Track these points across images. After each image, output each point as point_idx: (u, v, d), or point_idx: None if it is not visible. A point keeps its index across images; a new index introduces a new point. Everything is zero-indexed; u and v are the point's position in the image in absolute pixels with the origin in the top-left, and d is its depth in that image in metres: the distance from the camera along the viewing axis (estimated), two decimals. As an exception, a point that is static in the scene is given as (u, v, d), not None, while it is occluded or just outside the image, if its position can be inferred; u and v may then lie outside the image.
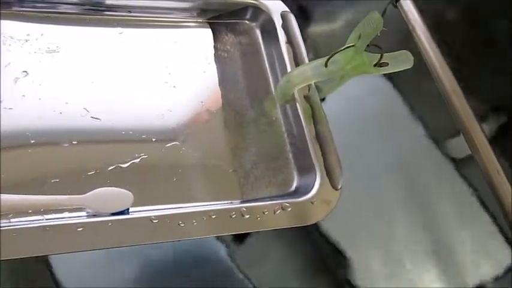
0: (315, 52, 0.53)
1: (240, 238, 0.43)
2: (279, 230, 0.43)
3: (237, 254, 0.43)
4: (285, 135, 0.47)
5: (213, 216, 0.38)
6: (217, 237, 0.43)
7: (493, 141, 0.53)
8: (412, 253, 0.49)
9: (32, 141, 0.39)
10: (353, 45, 0.40)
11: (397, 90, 0.56)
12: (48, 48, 0.44)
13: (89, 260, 0.40)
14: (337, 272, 0.46)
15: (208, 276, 0.42)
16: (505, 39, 0.63)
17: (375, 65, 0.41)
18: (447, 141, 0.55)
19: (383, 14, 0.37)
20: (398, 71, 0.41)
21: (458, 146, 0.54)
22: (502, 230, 0.52)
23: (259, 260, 0.44)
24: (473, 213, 0.53)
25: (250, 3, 0.50)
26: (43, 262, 0.38)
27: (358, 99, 0.54)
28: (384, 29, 0.37)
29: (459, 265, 0.50)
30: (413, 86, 0.56)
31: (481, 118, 0.39)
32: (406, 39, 0.39)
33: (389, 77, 0.56)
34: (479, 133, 0.33)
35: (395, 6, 0.39)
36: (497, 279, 0.50)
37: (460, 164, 0.54)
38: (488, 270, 0.50)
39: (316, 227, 0.46)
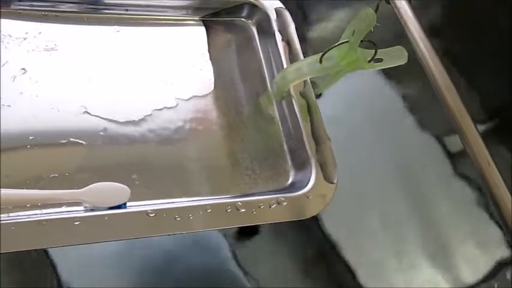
0: (311, 48, 0.53)
1: (241, 234, 0.44)
2: (279, 226, 0.44)
3: (237, 251, 0.43)
4: (281, 130, 0.47)
5: (209, 211, 0.38)
6: (218, 233, 0.43)
7: (488, 137, 0.53)
8: (408, 249, 0.49)
9: (30, 138, 0.40)
10: (347, 41, 0.40)
11: (393, 86, 0.56)
12: (46, 46, 0.45)
13: (88, 257, 0.40)
14: (336, 268, 0.46)
15: (207, 274, 0.42)
16: (499, 36, 0.63)
17: (369, 61, 0.41)
18: (443, 137, 0.55)
19: (376, 10, 0.37)
20: (393, 67, 0.42)
21: (454, 142, 0.54)
22: (499, 226, 0.52)
23: (258, 256, 0.44)
24: (469, 209, 0.53)
25: (246, 0, 0.51)
26: (44, 261, 0.39)
27: (354, 96, 0.55)
28: (377, 24, 0.37)
29: (456, 261, 0.50)
30: (408, 81, 0.56)
31: (474, 113, 0.39)
32: (399, 35, 0.40)
33: (385, 73, 0.56)
34: (471, 126, 0.33)
35: (388, 2, 0.40)
36: (493, 276, 0.50)
37: (457, 160, 0.54)
38: (484, 267, 0.50)
39: (315, 222, 0.46)
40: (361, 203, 0.50)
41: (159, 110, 0.45)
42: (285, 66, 0.48)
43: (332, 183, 0.42)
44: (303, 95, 0.47)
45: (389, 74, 0.56)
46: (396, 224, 0.50)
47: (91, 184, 0.38)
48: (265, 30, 0.51)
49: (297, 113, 0.46)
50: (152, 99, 0.45)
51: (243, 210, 0.39)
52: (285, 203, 0.40)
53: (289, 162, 0.45)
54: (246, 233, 0.44)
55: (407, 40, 0.42)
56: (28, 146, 0.40)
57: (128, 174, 0.40)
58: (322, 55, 0.41)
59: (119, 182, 0.39)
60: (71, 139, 0.41)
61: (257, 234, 0.44)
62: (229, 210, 0.39)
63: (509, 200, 0.32)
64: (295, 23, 0.50)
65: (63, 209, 0.37)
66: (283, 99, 0.47)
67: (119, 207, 0.37)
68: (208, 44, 0.50)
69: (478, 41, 0.62)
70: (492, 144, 0.41)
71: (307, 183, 0.42)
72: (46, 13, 0.46)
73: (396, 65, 0.42)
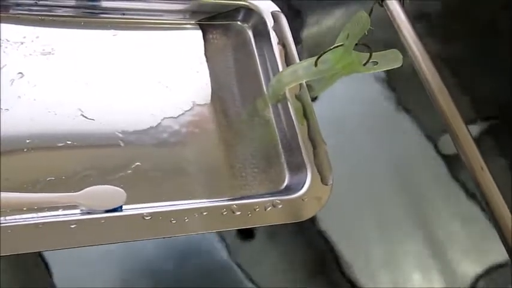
0: (306, 52, 0.54)
1: (240, 237, 0.44)
2: (277, 228, 0.44)
3: (236, 253, 0.43)
4: (277, 133, 0.47)
5: (204, 213, 0.38)
6: (216, 236, 0.43)
7: (482, 140, 0.54)
8: (405, 250, 0.49)
9: (28, 141, 0.40)
10: (342, 45, 0.40)
11: (388, 89, 0.57)
12: (43, 50, 0.45)
13: (85, 257, 0.40)
14: (334, 269, 0.46)
15: (207, 275, 0.43)
16: (492, 37, 0.63)
17: (364, 64, 0.41)
18: (438, 139, 0.55)
19: (370, 13, 0.38)
20: (388, 70, 0.42)
21: (450, 143, 0.54)
22: (494, 227, 0.52)
23: (257, 258, 0.44)
24: (466, 209, 0.53)
25: (242, 4, 0.51)
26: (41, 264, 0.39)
27: (349, 99, 0.55)
28: (371, 28, 0.38)
29: (453, 261, 0.50)
30: (403, 84, 0.57)
31: (468, 116, 0.39)
32: (394, 38, 0.40)
33: (380, 76, 0.57)
34: (464, 130, 0.34)
35: (381, 5, 0.40)
36: (490, 277, 0.50)
37: (453, 161, 0.54)
38: (482, 267, 0.50)
39: (313, 224, 0.47)
40: (358, 204, 0.50)
41: (155, 112, 0.45)
42: (280, 69, 0.48)
43: (327, 185, 0.43)
44: (298, 98, 0.47)
45: (384, 76, 0.57)
46: (393, 225, 0.50)
47: (87, 187, 0.38)
48: (261, 33, 0.51)
49: (293, 116, 0.46)
50: (149, 103, 0.46)
51: (239, 213, 0.39)
52: (280, 206, 0.41)
53: (285, 164, 0.46)
54: (245, 235, 0.44)
55: (402, 43, 0.42)
56: (25, 150, 0.40)
57: (124, 177, 0.41)
58: (318, 58, 0.42)
59: (115, 185, 0.39)
60: (68, 142, 0.41)
61: (253, 236, 0.44)
62: (224, 213, 0.39)
63: (502, 204, 0.32)
64: (290, 27, 0.51)
65: (60, 212, 0.37)
66: (279, 102, 0.48)
67: (115, 210, 0.38)
68: (204, 48, 0.51)
69: (470, 42, 0.63)
70: (486, 148, 0.42)
71: (303, 185, 0.42)
72: (43, 17, 0.46)
73: (391, 67, 0.42)
